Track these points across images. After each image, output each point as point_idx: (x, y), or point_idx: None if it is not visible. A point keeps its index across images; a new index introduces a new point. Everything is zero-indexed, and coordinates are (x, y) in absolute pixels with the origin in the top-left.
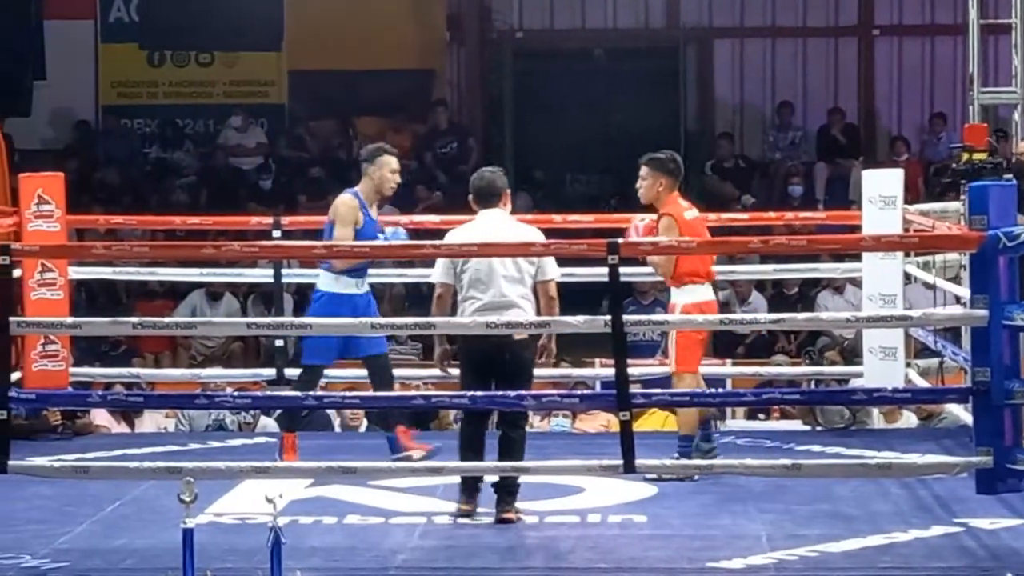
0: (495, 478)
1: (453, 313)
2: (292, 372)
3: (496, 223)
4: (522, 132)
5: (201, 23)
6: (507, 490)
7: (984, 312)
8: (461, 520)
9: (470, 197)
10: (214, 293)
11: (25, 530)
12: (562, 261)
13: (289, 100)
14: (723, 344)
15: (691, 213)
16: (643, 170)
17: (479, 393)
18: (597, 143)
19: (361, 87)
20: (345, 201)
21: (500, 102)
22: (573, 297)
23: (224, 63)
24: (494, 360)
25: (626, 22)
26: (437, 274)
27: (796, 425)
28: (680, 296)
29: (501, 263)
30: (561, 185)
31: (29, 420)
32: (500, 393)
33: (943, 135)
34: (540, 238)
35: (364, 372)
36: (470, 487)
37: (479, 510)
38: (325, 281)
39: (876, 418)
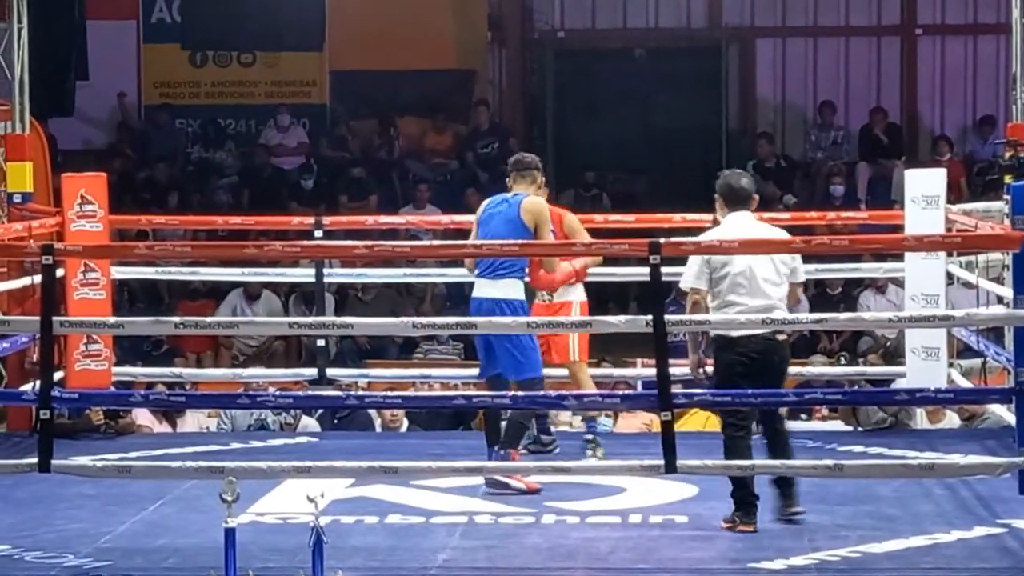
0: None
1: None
2: (334, 372)
3: (747, 225)
4: (563, 132)
5: (243, 24)
6: (788, 485)
7: None
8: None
9: (717, 198)
10: (251, 294)
11: (68, 529)
12: (603, 261)
13: (331, 100)
14: None
15: None
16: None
17: (520, 393)
18: (638, 143)
19: (402, 87)
20: (545, 203)
21: (541, 102)
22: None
23: (266, 63)
24: (763, 363)
25: (668, 22)
26: (689, 279)
27: (838, 425)
28: (573, 294)
29: (762, 267)
30: (603, 185)
31: (72, 419)
32: (541, 393)
33: (991, 137)
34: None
35: (405, 372)
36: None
37: (517, 510)
38: (516, 290)
39: (919, 418)
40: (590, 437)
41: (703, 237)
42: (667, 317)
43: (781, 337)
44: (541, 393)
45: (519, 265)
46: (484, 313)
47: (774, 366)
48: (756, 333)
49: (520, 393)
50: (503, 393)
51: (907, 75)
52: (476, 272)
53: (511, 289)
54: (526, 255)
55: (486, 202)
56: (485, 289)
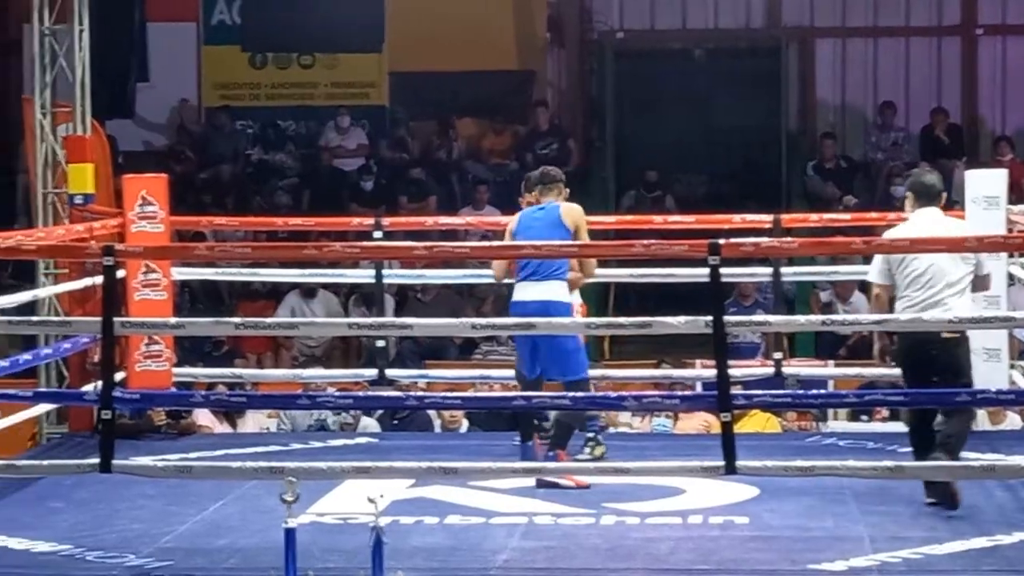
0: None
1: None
2: (393, 372)
3: (932, 221)
4: (622, 133)
5: (303, 25)
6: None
7: None
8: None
9: (908, 195)
10: (308, 290)
11: (129, 529)
12: (662, 262)
13: (390, 101)
14: (825, 345)
15: None
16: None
17: (579, 394)
18: (698, 143)
19: (462, 88)
20: (581, 208)
21: (600, 103)
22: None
23: (325, 65)
24: (923, 358)
25: (727, 22)
26: (873, 274)
27: (899, 427)
28: (573, 298)
29: (945, 263)
30: (666, 185)
31: (133, 420)
32: (601, 394)
33: None
34: (973, 233)
35: (465, 373)
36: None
37: (577, 510)
38: (564, 291)
39: (981, 420)
40: (591, 435)
41: (889, 233)
42: (727, 318)
43: (946, 335)
44: (601, 394)
45: (564, 267)
46: (531, 315)
47: (934, 360)
48: (922, 330)
49: (579, 394)
50: (562, 394)
51: (968, 75)
52: (518, 277)
53: (558, 290)
54: (585, 256)
55: (517, 216)
56: (530, 291)
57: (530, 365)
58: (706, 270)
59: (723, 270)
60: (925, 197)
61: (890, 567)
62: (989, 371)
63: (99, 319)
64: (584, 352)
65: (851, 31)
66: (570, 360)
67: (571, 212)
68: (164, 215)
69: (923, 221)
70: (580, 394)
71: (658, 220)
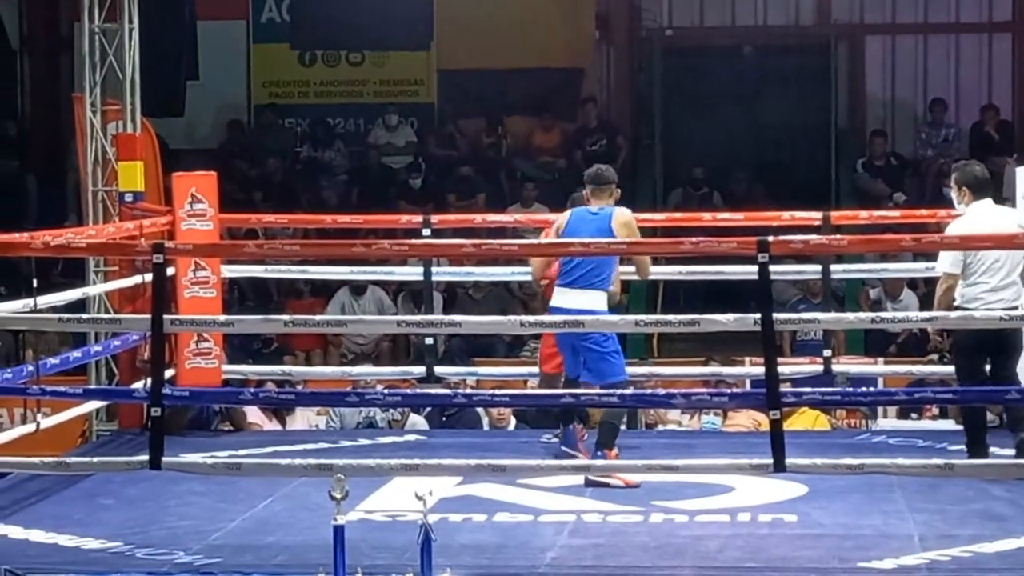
0: None
1: None
2: (442, 370)
3: (988, 212)
4: (671, 130)
5: (351, 23)
6: None
7: None
8: None
9: (963, 189)
10: (357, 287)
11: (178, 526)
12: (711, 259)
13: (439, 99)
14: (875, 342)
15: None
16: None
17: (628, 392)
18: (746, 141)
19: (510, 86)
20: (632, 215)
21: (649, 100)
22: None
23: (374, 63)
24: (991, 339)
25: (776, 19)
26: (946, 265)
27: (949, 424)
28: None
29: (1015, 252)
30: (713, 183)
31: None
32: (650, 392)
33: None
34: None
35: (513, 370)
36: None
37: (625, 508)
38: (603, 301)
39: None
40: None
41: (955, 226)
42: (776, 315)
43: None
44: (649, 391)
45: (605, 276)
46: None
47: (1010, 344)
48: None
49: (628, 392)
50: (611, 392)
51: (1019, 72)
52: (559, 281)
53: (598, 301)
54: (635, 253)
55: (567, 214)
56: (569, 299)
57: (572, 365)
58: (755, 267)
59: (772, 267)
60: (981, 190)
61: (939, 565)
62: None
63: (149, 317)
64: (622, 355)
65: (901, 27)
66: (607, 364)
67: (625, 221)
68: (213, 213)
69: (984, 214)
70: (629, 392)
71: (707, 217)
